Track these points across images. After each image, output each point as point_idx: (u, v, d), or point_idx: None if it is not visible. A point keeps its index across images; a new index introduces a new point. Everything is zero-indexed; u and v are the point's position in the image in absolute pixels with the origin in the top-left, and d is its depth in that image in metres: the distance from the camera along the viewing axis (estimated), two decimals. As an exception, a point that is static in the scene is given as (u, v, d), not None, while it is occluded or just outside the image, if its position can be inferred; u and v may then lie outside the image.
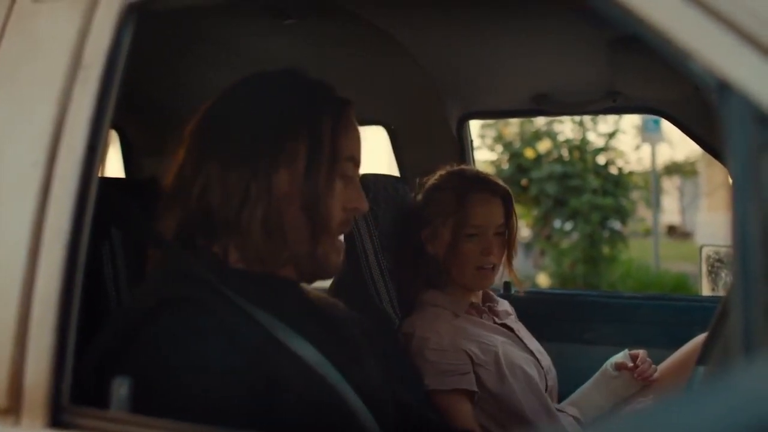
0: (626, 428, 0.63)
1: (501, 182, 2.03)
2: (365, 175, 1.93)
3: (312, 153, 1.22)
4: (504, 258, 1.98)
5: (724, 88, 0.79)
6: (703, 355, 1.25)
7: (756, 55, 0.79)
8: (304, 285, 1.32)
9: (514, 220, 1.97)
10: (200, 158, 1.21)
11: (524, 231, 10.61)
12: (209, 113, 1.26)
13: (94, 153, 1.06)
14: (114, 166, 2.78)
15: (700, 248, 2.54)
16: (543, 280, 9.94)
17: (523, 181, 9.78)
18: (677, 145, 15.79)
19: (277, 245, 1.20)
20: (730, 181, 0.79)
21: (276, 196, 1.18)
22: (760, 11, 0.80)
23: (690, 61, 0.81)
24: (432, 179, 2.03)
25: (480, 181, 1.99)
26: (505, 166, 9.99)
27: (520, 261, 10.08)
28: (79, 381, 1.03)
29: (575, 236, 9.74)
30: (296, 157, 1.21)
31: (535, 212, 9.91)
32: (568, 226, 9.85)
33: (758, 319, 0.74)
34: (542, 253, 10.45)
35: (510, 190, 2.01)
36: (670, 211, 19.85)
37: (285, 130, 1.22)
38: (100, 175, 1.08)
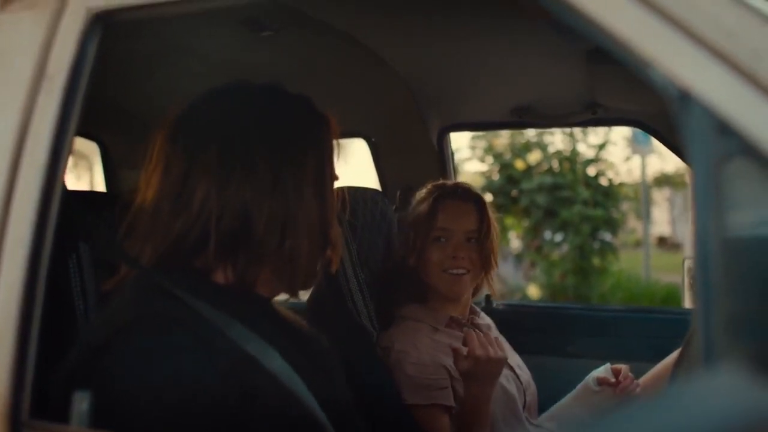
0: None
1: (475, 190, 2.02)
2: (344, 188, 1.91)
3: (316, 170, 1.22)
4: (480, 266, 1.95)
5: (685, 97, 0.79)
6: (675, 370, 1.24)
7: (717, 65, 0.78)
8: (275, 302, 1.30)
9: (489, 227, 1.93)
10: (188, 175, 1.15)
11: (514, 242, 10.61)
12: (189, 127, 1.20)
13: (57, 163, 1.05)
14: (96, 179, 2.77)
15: (683, 261, 2.53)
16: (533, 292, 9.92)
17: (514, 192, 9.79)
18: (667, 156, 15.82)
19: (269, 261, 1.18)
20: (691, 190, 0.79)
21: (275, 210, 1.15)
22: (722, 20, 0.80)
23: (651, 70, 0.81)
24: (413, 200, 2.03)
25: (451, 189, 1.99)
26: (496, 177, 9.99)
27: (510, 272, 10.11)
28: (44, 396, 1.02)
29: (566, 247, 9.73)
30: (301, 172, 1.19)
31: (525, 223, 9.91)
32: (559, 237, 9.84)
33: (719, 330, 0.74)
34: (533, 264, 10.43)
35: (483, 198, 2.00)
36: (661, 223, 19.86)
37: (288, 145, 1.20)
38: (67, 187, 1.07)
